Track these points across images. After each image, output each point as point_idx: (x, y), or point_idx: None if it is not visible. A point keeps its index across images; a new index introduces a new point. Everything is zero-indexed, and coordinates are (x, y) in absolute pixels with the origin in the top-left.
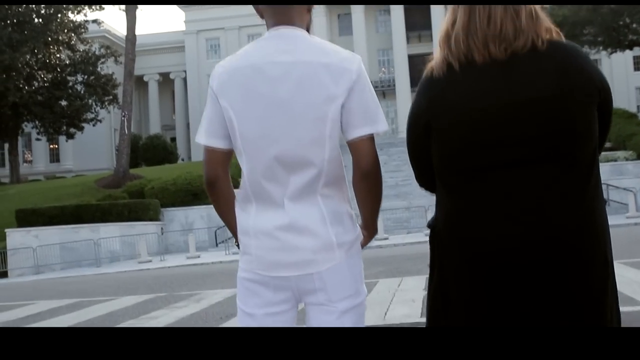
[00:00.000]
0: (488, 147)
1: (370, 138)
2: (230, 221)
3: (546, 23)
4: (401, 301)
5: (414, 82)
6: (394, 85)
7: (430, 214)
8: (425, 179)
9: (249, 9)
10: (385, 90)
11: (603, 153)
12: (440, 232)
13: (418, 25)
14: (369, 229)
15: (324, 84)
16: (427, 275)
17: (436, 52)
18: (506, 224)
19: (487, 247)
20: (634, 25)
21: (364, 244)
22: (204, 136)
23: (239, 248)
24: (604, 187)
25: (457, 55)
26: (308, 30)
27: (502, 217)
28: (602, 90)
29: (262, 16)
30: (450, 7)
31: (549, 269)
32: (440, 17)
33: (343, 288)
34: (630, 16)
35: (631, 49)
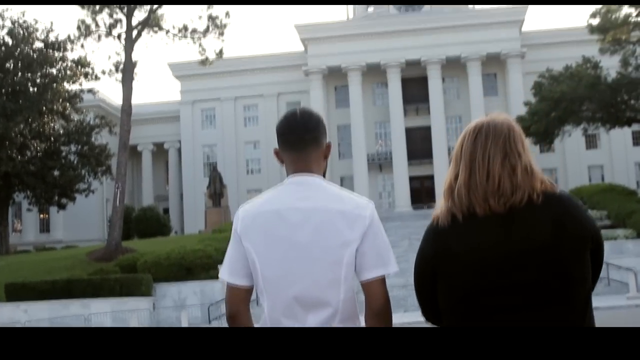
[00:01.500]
0: (489, 293)
1: (382, 279)
2: None
3: (540, 176)
4: None
5: (411, 155)
6: (391, 158)
7: None
8: (431, 314)
9: (245, 79)
10: (382, 163)
11: (602, 231)
12: None
13: (415, 98)
14: None
15: (340, 230)
16: None
17: (441, 202)
18: None
19: None
20: (632, 102)
21: None
22: (227, 274)
23: None
24: (603, 266)
25: (460, 207)
26: (324, 175)
27: None
28: (594, 237)
29: (282, 162)
30: (452, 161)
31: None
32: (437, 90)
33: None
34: (627, 93)
35: (629, 125)
